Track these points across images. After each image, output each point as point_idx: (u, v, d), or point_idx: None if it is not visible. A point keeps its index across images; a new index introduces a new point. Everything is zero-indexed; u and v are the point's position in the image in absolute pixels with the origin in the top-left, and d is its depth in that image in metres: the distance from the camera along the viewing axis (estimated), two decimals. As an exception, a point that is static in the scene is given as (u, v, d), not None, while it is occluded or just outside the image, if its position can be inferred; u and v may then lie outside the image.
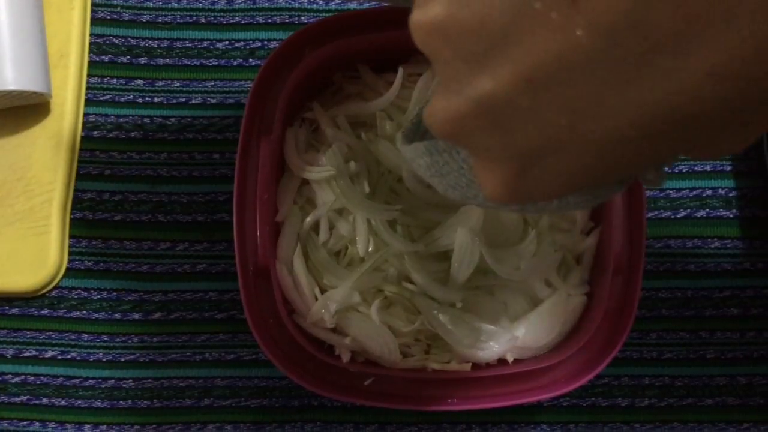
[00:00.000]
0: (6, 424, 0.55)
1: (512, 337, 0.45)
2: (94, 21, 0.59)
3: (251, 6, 0.59)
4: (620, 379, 0.55)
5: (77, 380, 0.55)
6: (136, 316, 0.56)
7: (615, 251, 0.45)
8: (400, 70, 0.48)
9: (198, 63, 0.59)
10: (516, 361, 0.45)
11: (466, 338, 0.44)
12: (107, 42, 0.59)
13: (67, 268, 0.56)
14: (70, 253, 0.57)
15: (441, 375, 0.44)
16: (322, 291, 0.45)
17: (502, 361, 0.46)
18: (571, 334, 0.46)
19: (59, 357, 0.56)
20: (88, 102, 0.58)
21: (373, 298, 0.44)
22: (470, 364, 0.45)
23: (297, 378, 0.45)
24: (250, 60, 0.59)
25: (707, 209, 0.57)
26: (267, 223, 0.44)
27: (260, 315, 0.46)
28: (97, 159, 0.58)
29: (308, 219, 0.45)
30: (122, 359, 0.55)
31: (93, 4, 0.59)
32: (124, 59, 0.59)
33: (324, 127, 0.47)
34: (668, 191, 0.57)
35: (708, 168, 0.58)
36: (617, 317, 0.46)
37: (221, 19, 0.59)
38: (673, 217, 0.57)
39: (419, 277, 0.44)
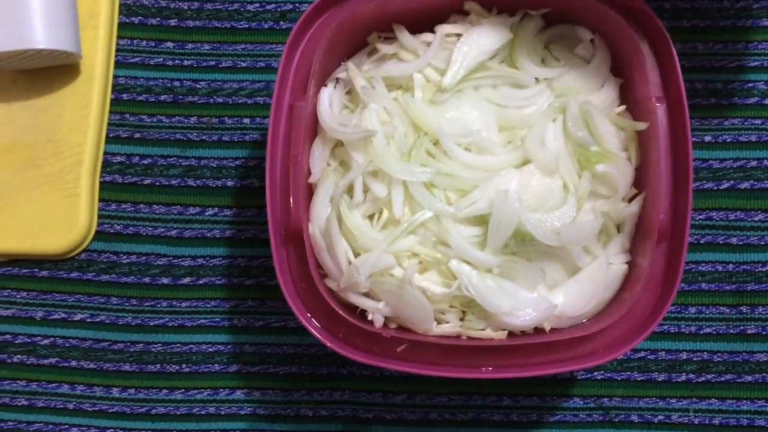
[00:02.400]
0: (35, 386, 0.55)
1: (550, 305, 0.44)
2: (125, -19, 0.59)
3: (284, -34, 0.58)
4: (657, 353, 0.54)
5: (106, 343, 0.55)
6: (165, 280, 0.56)
7: (659, 219, 0.44)
8: (438, 31, 0.47)
9: (228, 25, 0.58)
10: (553, 329, 0.45)
11: (502, 305, 0.43)
12: (137, 3, 0.59)
13: (97, 232, 0.57)
14: (99, 217, 0.57)
15: (476, 342, 0.43)
16: (356, 255, 0.44)
17: (538, 330, 0.45)
18: (610, 304, 0.46)
19: (88, 320, 0.56)
20: (118, 64, 0.58)
21: (408, 262, 0.44)
22: (506, 331, 0.44)
23: (329, 342, 0.44)
24: (281, 23, 0.58)
25: (752, 181, 0.55)
26: (300, 186, 0.44)
27: (291, 279, 0.45)
28: (126, 122, 0.58)
29: (342, 181, 0.44)
30: (151, 323, 0.55)
31: (123, -36, 0.59)
32: (153, 21, 0.59)
33: (358, 87, 0.46)
34: (711, 161, 0.56)
35: (753, 138, 0.56)
36: (659, 288, 0.45)
37: (253, -20, 0.58)
38: (716, 188, 0.55)
39: (455, 241, 0.43)
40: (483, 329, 0.44)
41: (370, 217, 0.45)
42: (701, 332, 0.54)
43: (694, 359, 0.54)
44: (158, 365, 0.55)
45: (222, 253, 0.56)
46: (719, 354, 0.54)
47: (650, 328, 0.44)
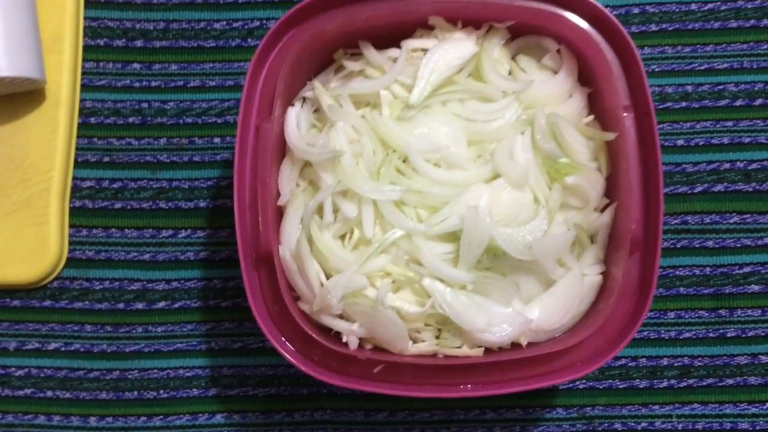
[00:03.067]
0: (11, 418, 0.54)
1: (525, 319, 0.44)
2: (88, 4, 0.58)
3: (249, -16, 0.58)
4: (638, 360, 0.54)
5: (81, 372, 0.54)
6: (139, 305, 0.55)
7: (631, 228, 0.44)
8: (404, 46, 0.47)
9: (195, 44, 0.57)
10: (530, 344, 0.45)
11: (477, 322, 0.43)
12: (102, 25, 0.58)
13: (68, 259, 0.56)
14: (70, 243, 0.56)
15: (453, 361, 0.43)
16: (328, 276, 0.44)
17: (515, 345, 0.45)
18: (587, 316, 0.46)
19: (62, 349, 0.55)
20: (84, 87, 0.57)
21: (381, 282, 0.44)
22: (482, 348, 0.44)
23: (304, 366, 0.44)
24: (249, 40, 0.57)
25: (725, 183, 0.55)
26: (269, 208, 0.44)
27: (264, 303, 0.45)
28: (95, 146, 0.57)
29: (312, 202, 0.44)
30: (127, 350, 0.54)
31: (86, -13, 0.58)
32: (119, 42, 0.58)
33: (325, 106, 0.45)
34: (684, 165, 0.56)
35: (725, 140, 0.56)
36: (635, 297, 0.45)
37: (218, -1, 0.58)
38: (689, 192, 0.55)
39: (428, 258, 0.43)
40: (459, 347, 0.44)
41: (342, 237, 0.45)
42: (681, 337, 0.54)
43: (675, 365, 0.53)
44: (135, 392, 0.54)
45: (197, 275, 0.55)
46: (700, 358, 0.54)
47: (627, 338, 0.43)
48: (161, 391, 0.54)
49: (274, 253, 0.44)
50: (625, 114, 0.44)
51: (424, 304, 0.43)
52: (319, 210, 0.45)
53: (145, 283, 0.55)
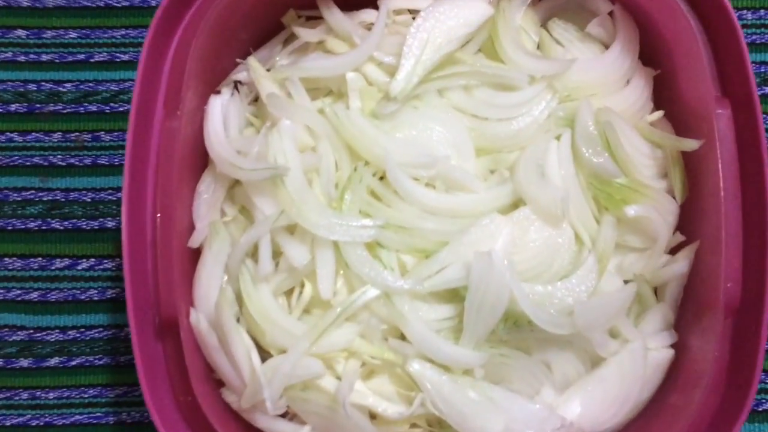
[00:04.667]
0: None
1: (561, 421, 0.35)
2: (-51, -53, 0.49)
3: None
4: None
5: None
6: (24, 363, 0.49)
7: (725, 280, 0.33)
8: (383, 5, 0.40)
9: (102, 4, 0.51)
10: None
11: (489, 426, 0.34)
12: (-29, -25, 0.50)
13: (-76, 298, 0.48)
14: (-73, 276, 0.48)
15: None
16: (264, 356, 0.36)
17: None
18: (650, 409, 0.36)
19: None
20: None
21: (345, 366, 0.35)
22: None
23: None
24: (173, -2, 0.51)
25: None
26: (174, 251, 0.36)
27: (171, 391, 0.35)
28: None
29: (243, 240, 0.36)
30: (7, 423, 0.49)
31: None
32: (-3, 1, 0.51)
33: (264, 95, 0.38)
34: None
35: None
36: (724, 384, 0.34)
37: (130, -59, 0.52)
38: None
39: (415, 330, 0.35)
40: (460, 462, 0.35)
41: (287, 294, 0.36)
42: (760, 409, 0.46)
43: (753, 446, 0.44)
44: (18, 482, 0.46)
45: (102, 321, 0.49)
46: (785, 439, 0.44)
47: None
48: (52, 481, 0.46)
49: (180, 320, 0.34)
50: (719, 111, 0.34)
51: (410, 400, 0.34)
52: (254, 254, 0.36)
53: (31, 332, 0.49)
